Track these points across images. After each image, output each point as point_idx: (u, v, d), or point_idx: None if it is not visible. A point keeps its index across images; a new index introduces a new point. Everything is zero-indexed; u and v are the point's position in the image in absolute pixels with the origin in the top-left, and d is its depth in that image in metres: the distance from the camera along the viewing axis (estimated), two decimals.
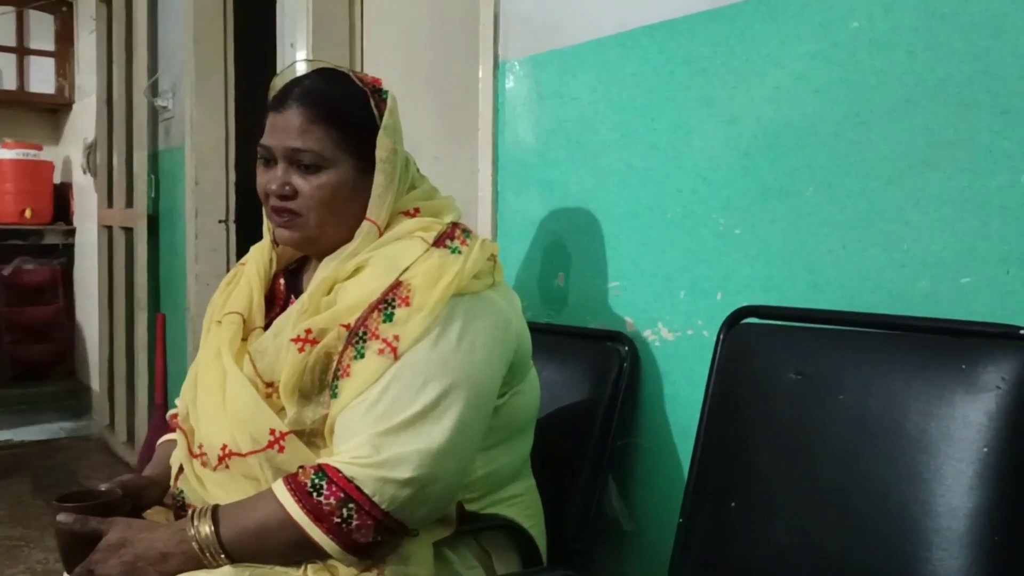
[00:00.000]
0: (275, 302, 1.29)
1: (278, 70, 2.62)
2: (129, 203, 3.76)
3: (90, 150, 4.45)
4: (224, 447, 1.16)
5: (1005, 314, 1.01)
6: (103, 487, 1.21)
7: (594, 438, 1.43)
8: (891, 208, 1.13)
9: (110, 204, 4.04)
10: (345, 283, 1.18)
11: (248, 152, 3.08)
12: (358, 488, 1.04)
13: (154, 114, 3.57)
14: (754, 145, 1.29)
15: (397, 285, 1.13)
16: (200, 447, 1.20)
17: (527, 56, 1.70)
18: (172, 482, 1.25)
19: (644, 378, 1.46)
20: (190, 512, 1.10)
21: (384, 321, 1.11)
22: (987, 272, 1.04)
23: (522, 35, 1.71)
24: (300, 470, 1.08)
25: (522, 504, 1.27)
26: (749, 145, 1.30)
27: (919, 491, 0.97)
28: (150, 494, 1.27)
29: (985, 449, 0.94)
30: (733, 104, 1.32)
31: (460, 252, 1.17)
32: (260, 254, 1.32)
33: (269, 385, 1.17)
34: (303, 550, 1.06)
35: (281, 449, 1.12)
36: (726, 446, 1.21)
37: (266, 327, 1.24)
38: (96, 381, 4.50)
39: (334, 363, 1.13)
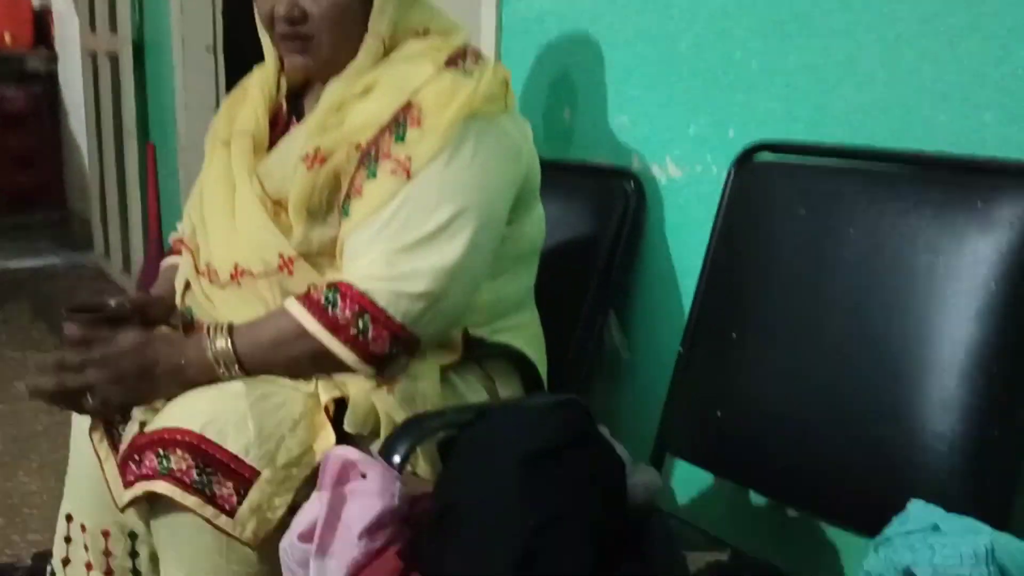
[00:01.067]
0: (277, 125, 1.27)
1: None
2: (113, 28, 3.61)
3: None
4: (236, 266, 1.17)
5: None
6: (112, 302, 1.21)
7: (597, 272, 1.44)
8: (914, 41, 1.09)
9: (92, 28, 3.88)
10: (354, 102, 1.15)
11: None
12: (372, 301, 1.06)
13: None
14: None
15: (408, 106, 1.11)
16: (208, 265, 1.21)
17: None
18: (179, 299, 1.26)
19: (650, 214, 1.45)
20: (205, 327, 1.11)
21: (396, 141, 1.10)
22: (1010, 107, 1.01)
23: None
24: (311, 288, 1.09)
25: (525, 333, 1.29)
26: None
27: (922, 324, 0.98)
28: (156, 311, 1.28)
29: (993, 284, 0.94)
30: None
31: (472, 74, 1.14)
32: (264, 77, 1.28)
33: (277, 203, 1.17)
34: (320, 362, 1.09)
35: (291, 273, 1.13)
36: (730, 281, 1.22)
37: (269, 148, 1.23)
38: (88, 210, 4.47)
39: (344, 183, 1.12)
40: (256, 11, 1.22)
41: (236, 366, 1.09)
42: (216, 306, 1.20)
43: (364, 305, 1.06)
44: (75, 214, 4.98)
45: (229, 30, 3.08)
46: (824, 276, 1.08)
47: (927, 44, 1.08)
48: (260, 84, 1.28)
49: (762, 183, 1.22)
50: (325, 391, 1.11)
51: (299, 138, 1.17)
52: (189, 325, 1.23)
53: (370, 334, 1.06)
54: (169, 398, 1.09)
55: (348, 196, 1.12)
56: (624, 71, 1.48)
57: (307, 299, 1.08)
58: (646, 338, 1.48)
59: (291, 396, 1.09)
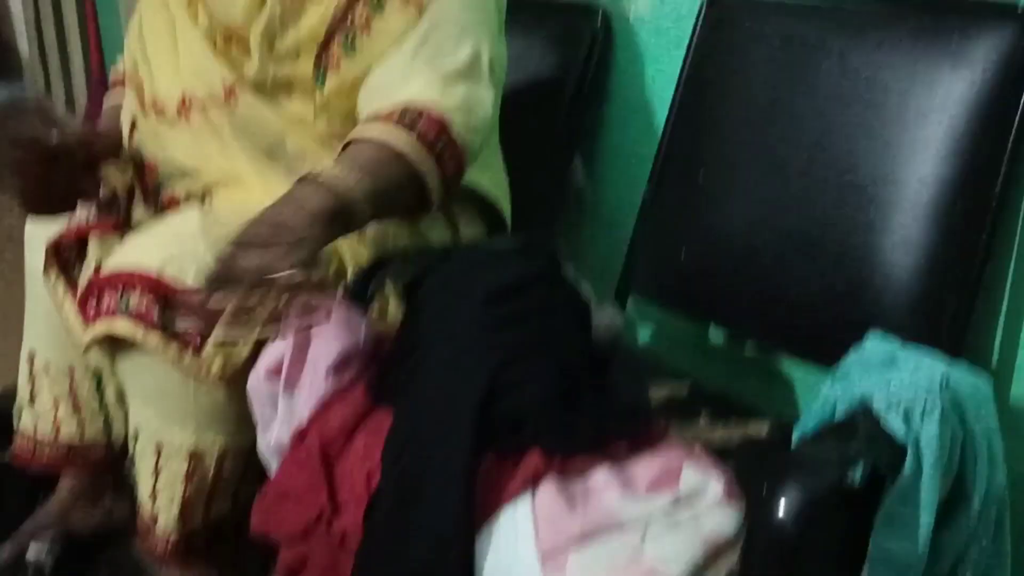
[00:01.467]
0: None
1: None
2: None
3: None
4: (183, 96, 1.12)
5: None
6: (53, 134, 1.15)
7: (563, 112, 1.41)
8: None
9: None
10: None
11: None
12: (448, 126, 1.01)
13: None
14: None
15: None
16: (154, 100, 1.15)
17: None
18: (126, 139, 1.21)
19: (617, 53, 1.41)
20: (301, 180, 0.97)
21: None
22: None
23: None
24: (378, 120, 1.01)
25: (489, 174, 1.27)
26: None
27: (890, 162, 0.98)
28: (103, 144, 1.20)
29: (963, 122, 0.94)
30: None
31: None
32: None
33: (228, 35, 1.11)
34: (406, 191, 1.01)
35: (236, 102, 1.09)
36: (698, 120, 1.21)
37: None
38: (22, 42, 4.23)
39: (325, 18, 1.06)
40: None
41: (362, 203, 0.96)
42: (165, 142, 1.15)
43: (444, 125, 1.01)
44: (9, 45, 4.71)
45: None
46: (792, 115, 1.07)
47: None
48: None
49: (732, 21, 1.18)
50: None
51: None
52: (140, 164, 1.19)
53: (446, 156, 1.01)
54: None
55: (350, 32, 1.06)
56: None
57: (388, 122, 1.00)
58: (612, 179, 1.46)
59: None
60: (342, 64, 1.08)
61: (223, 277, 0.85)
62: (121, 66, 1.34)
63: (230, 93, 1.09)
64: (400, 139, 0.99)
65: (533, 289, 0.91)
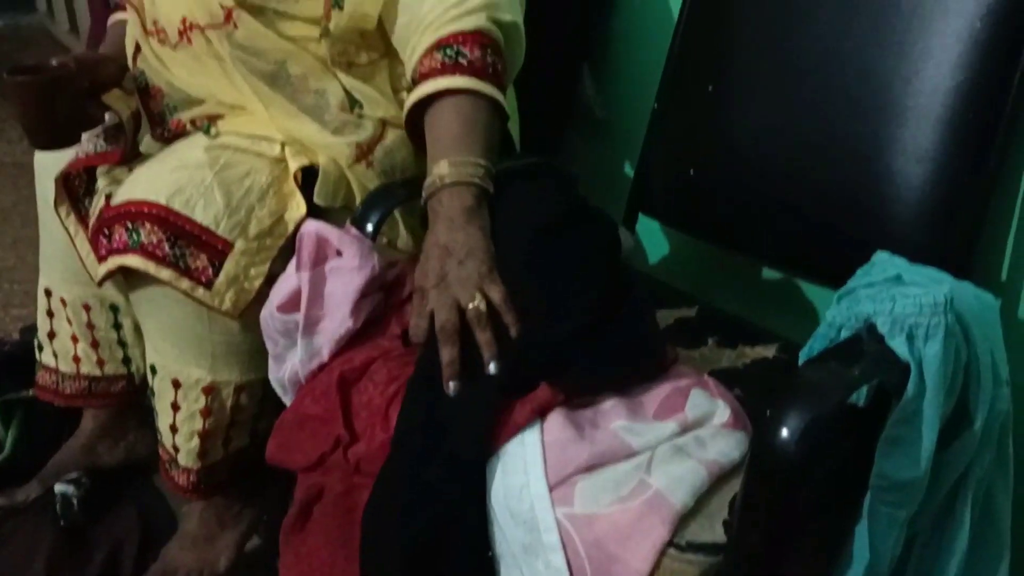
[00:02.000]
0: None
1: None
2: None
3: None
4: (184, 20, 1.10)
5: None
6: (54, 61, 1.14)
7: (570, 25, 1.37)
8: None
9: None
10: None
11: None
12: (485, 34, 1.00)
13: None
14: None
15: None
16: (155, 23, 1.13)
17: None
18: (130, 63, 1.19)
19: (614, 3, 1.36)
20: (425, 187, 0.97)
21: None
22: None
23: None
24: (423, 62, 1.00)
25: None
26: None
27: (903, 67, 0.95)
28: (106, 69, 1.18)
29: (978, 24, 0.90)
30: None
31: None
32: None
33: None
34: (490, 116, 1.01)
35: (235, 25, 1.07)
36: (709, 28, 1.17)
37: None
38: None
39: None
40: None
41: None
42: (169, 68, 1.14)
43: (481, 41, 0.99)
44: None
45: None
46: (803, 21, 1.04)
47: None
48: None
49: None
50: (293, 158, 1.08)
51: None
52: (144, 90, 1.18)
53: (499, 68, 1.00)
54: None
55: None
56: None
57: (439, 71, 0.99)
58: (620, 94, 1.43)
59: (256, 164, 1.07)
60: None
61: (442, 335, 0.86)
62: None
63: (228, 16, 1.07)
64: (459, 81, 0.97)
65: (573, 226, 0.91)
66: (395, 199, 1.05)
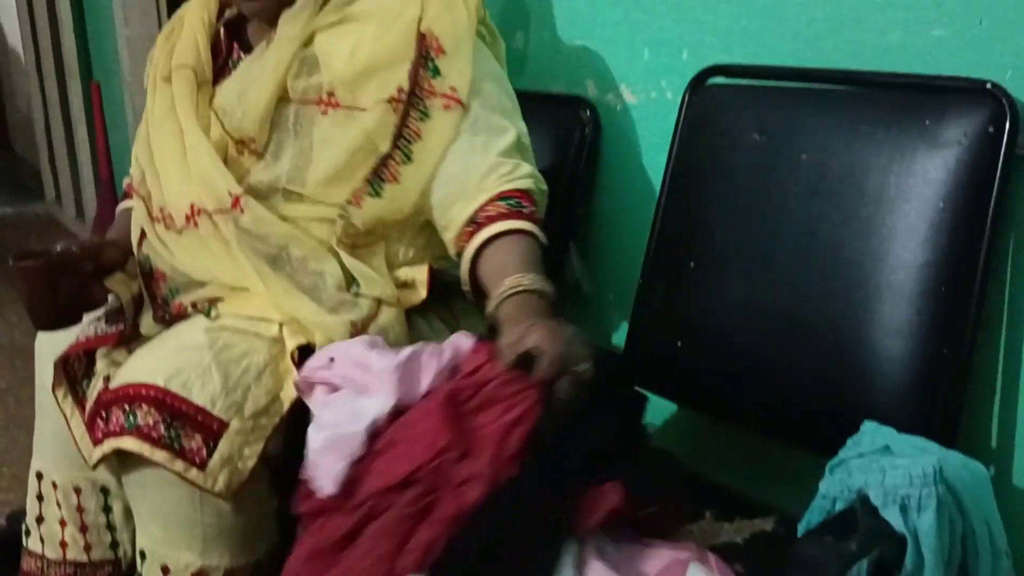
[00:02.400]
0: (217, 54, 1.25)
1: None
2: None
3: None
4: (192, 206, 1.15)
5: (976, 68, 0.99)
6: (59, 246, 1.19)
7: (557, 204, 1.42)
8: None
9: None
10: (330, 35, 1.15)
11: None
12: (532, 195, 1.13)
13: None
14: None
15: (422, 38, 1.13)
16: (162, 210, 1.19)
17: None
18: (135, 248, 1.24)
19: (606, 143, 1.44)
20: (499, 293, 1.02)
21: (433, 77, 1.13)
22: (960, 23, 1.01)
23: None
24: (485, 208, 1.10)
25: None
26: None
27: (873, 247, 1.00)
28: (110, 254, 1.23)
29: (941, 204, 0.96)
30: None
31: None
32: (200, 6, 1.26)
33: (240, 142, 1.16)
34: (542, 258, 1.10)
35: (242, 210, 1.12)
36: (688, 208, 1.23)
37: (214, 80, 1.22)
38: (36, 157, 4.35)
39: (387, 136, 1.13)
40: None
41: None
42: (173, 252, 1.18)
43: (531, 199, 1.12)
44: (22, 160, 4.84)
45: None
46: (776, 202, 1.09)
47: None
48: (199, 13, 1.25)
49: (716, 107, 1.21)
50: (291, 337, 1.10)
51: (261, 73, 1.15)
52: (149, 275, 1.21)
53: (540, 222, 1.13)
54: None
55: (401, 142, 1.13)
56: None
57: (506, 212, 1.10)
58: (607, 269, 1.48)
59: (254, 344, 1.09)
60: (401, 174, 1.13)
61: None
62: (132, 174, 1.38)
63: (236, 202, 1.12)
64: (525, 224, 1.10)
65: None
66: None
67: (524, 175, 1.13)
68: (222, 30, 1.26)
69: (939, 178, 0.97)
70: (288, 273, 1.11)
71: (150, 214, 1.21)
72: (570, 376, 0.85)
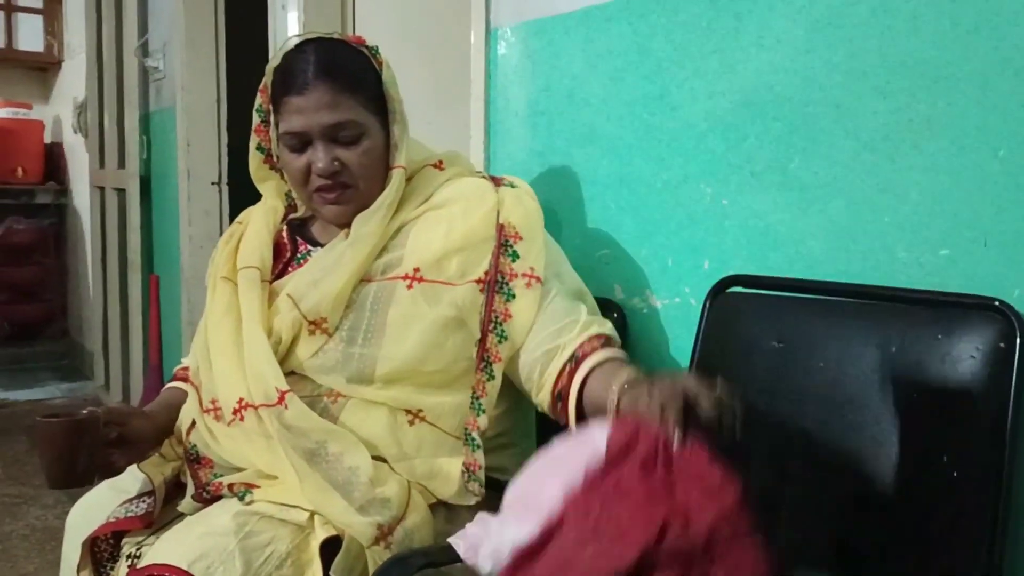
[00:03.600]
0: (281, 252, 1.34)
1: (269, 32, 2.61)
2: (121, 164, 3.75)
3: (80, 110, 4.42)
4: (240, 400, 1.20)
5: (982, 286, 1.04)
6: (85, 411, 1.23)
7: None
8: (873, 181, 1.15)
9: (102, 164, 4.03)
10: (417, 224, 1.27)
11: (241, 113, 3.08)
12: (615, 344, 1.25)
13: (145, 74, 3.55)
14: (741, 115, 1.31)
15: (501, 227, 1.25)
16: (213, 402, 1.24)
17: (519, 23, 1.70)
18: (184, 436, 1.29)
19: (632, 345, 1.49)
20: (618, 384, 1.10)
21: (513, 261, 1.25)
22: (965, 244, 1.06)
23: (513, 1, 1.72)
24: (582, 347, 1.21)
25: (508, 451, 1.33)
26: (736, 115, 1.31)
27: (892, 457, 1.00)
28: (138, 424, 1.29)
29: (958, 418, 0.97)
30: (720, 74, 1.33)
31: (518, 188, 1.31)
32: (266, 211, 1.38)
33: (313, 323, 1.23)
34: None
35: (286, 406, 1.17)
36: None
37: (277, 276, 1.31)
38: (91, 342, 4.51)
39: (476, 317, 1.24)
40: (285, 169, 1.31)
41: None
42: (220, 442, 1.23)
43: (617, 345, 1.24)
44: (78, 345, 5.01)
45: (233, 165, 3.21)
46: (795, 409, 1.11)
47: (888, 185, 1.14)
48: (264, 219, 1.36)
49: (736, 314, 1.26)
50: (321, 527, 1.12)
51: (338, 264, 1.24)
52: (195, 461, 1.25)
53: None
54: None
55: (493, 326, 1.24)
56: (605, 208, 1.55)
57: (603, 346, 1.22)
58: None
59: (280, 532, 1.11)
60: (501, 352, 1.22)
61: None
62: (188, 361, 1.46)
63: (281, 398, 1.18)
64: (622, 355, 1.23)
65: None
66: (406, 570, 1.07)
67: (610, 328, 1.25)
68: (285, 229, 1.36)
69: (954, 391, 0.99)
70: (324, 469, 1.15)
71: (201, 405, 1.26)
72: (718, 403, 0.90)
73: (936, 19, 1.08)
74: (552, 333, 1.22)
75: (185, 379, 1.41)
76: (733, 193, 1.32)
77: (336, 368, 1.22)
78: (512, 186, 1.31)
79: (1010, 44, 1.01)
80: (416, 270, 1.23)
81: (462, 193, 1.28)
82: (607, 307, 1.50)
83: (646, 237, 1.47)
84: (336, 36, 1.32)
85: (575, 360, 1.20)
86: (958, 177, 1.07)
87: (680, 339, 1.39)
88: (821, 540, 1.04)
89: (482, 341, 1.23)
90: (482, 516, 1.00)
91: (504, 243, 1.25)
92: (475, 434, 1.23)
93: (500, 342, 1.23)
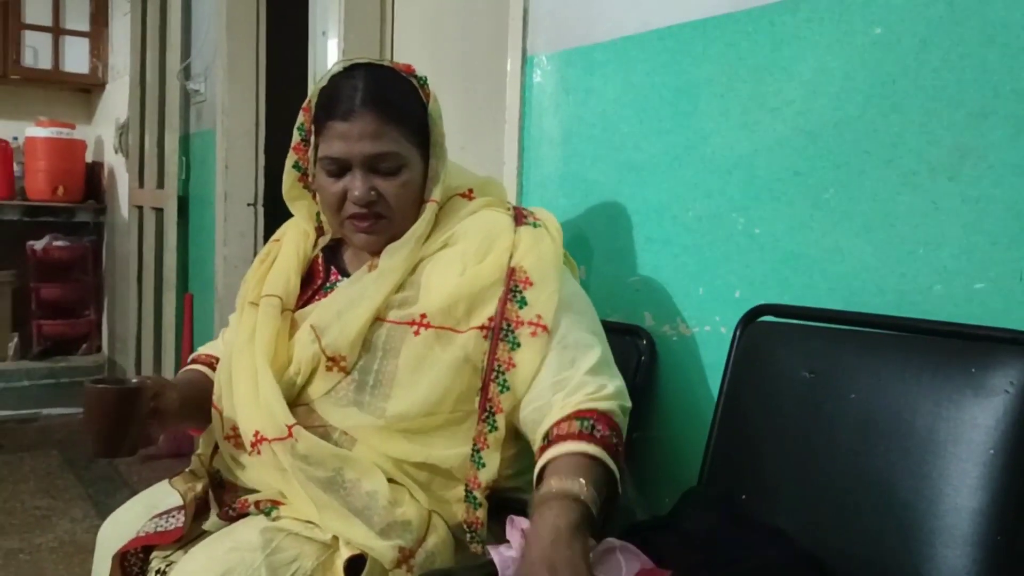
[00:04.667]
0: (313, 278, 1.34)
1: (309, 58, 2.66)
2: (160, 184, 3.82)
3: (122, 131, 4.51)
4: (256, 433, 1.20)
5: (1017, 320, 1.03)
6: (134, 380, 1.21)
7: None
8: (908, 213, 1.15)
9: (141, 184, 4.10)
10: (435, 261, 1.24)
11: (278, 137, 3.13)
12: (612, 418, 1.12)
13: (186, 97, 3.62)
14: (773, 146, 1.31)
15: (512, 272, 1.21)
16: (234, 429, 1.25)
17: (554, 52, 1.73)
18: (208, 461, 1.30)
19: (661, 372, 1.49)
20: (539, 495, 1.04)
21: (520, 308, 1.19)
22: (1000, 278, 1.05)
23: (549, 30, 1.74)
24: (559, 425, 1.11)
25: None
26: (768, 145, 1.32)
27: (925, 490, 0.99)
28: (169, 396, 1.25)
29: (992, 451, 0.96)
30: (753, 105, 1.34)
31: (540, 226, 1.26)
32: (298, 235, 1.36)
33: (331, 359, 1.21)
34: (607, 486, 1.08)
35: (296, 440, 1.17)
36: (738, 440, 1.24)
37: (305, 303, 1.29)
38: (124, 358, 4.57)
39: (480, 364, 1.19)
40: (319, 192, 1.30)
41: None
42: (244, 469, 1.24)
43: (611, 423, 1.12)
44: (112, 362, 5.07)
45: (269, 187, 3.26)
46: (827, 439, 1.10)
47: (923, 217, 1.13)
48: (296, 244, 1.35)
49: (766, 343, 1.26)
50: (346, 546, 1.12)
51: (362, 298, 1.22)
52: (219, 484, 1.26)
53: (620, 447, 1.11)
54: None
55: (496, 375, 1.18)
56: (637, 236, 1.55)
57: (576, 433, 1.09)
58: (660, 496, 1.47)
59: (306, 549, 1.12)
60: (503, 402, 1.18)
61: None
62: (214, 346, 1.46)
63: (290, 432, 1.17)
64: (591, 449, 1.07)
65: None
66: None
67: (607, 396, 1.14)
68: (320, 255, 1.36)
69: (988, 424, 0.98)
70: (342, 496, 1.14)
71: (223, 432, 1.27)
72: None
73: (973, 52, 1.08)
74: (546, 390, 1.16)
75: (209, 364, 1.40)
76: (765, 223, 1.32)
77: (344, 413, 1.21)
78: (534, 225, 1.26)
79: None
80: (423, 316, 1.20)
81: (479, 230, 1.25)
82: (636, 334, 1.51)
83: (677, 265, 1.47)
84: (387, 63, 1.30)
85: (547, 440, 1.12)
86: (994, 210, 1.06)
87: (710, 368, 1.39)
88: (851, 572, 1.03)
89: (484, 390, 1.19)
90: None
91: (513, 288, 1.20)
92: (476, 492, 1.17)
93: (502, 392, 1.18)
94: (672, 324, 1.48)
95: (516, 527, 1.02)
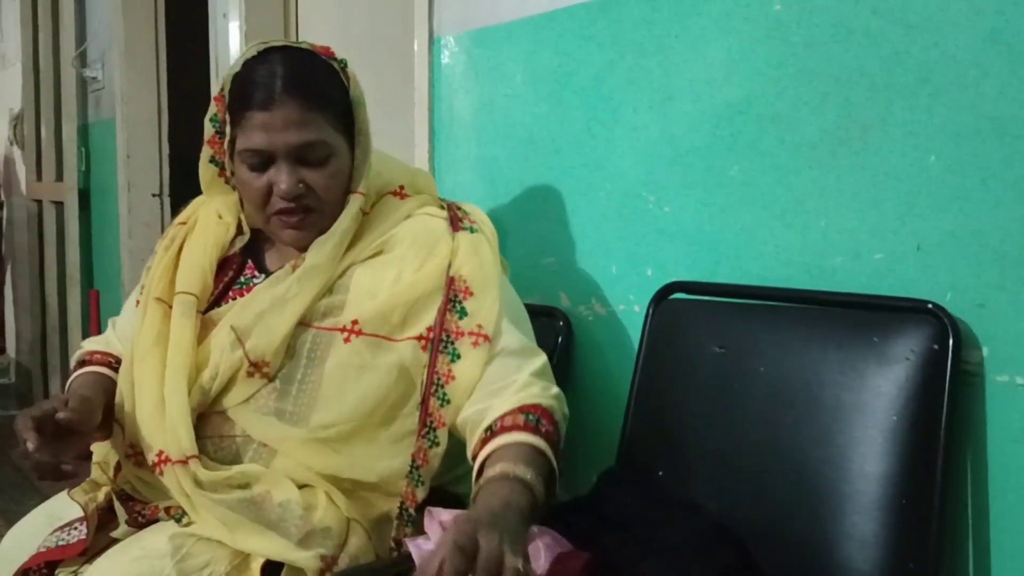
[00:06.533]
0: (224, 270, 1.25)
1: (210, 41, 2.57)
2: (59, 176, 3.67)
3: (17, 121, 4.32)
4: (160, 452, 1.14)
5: (916, 288, 1.06)
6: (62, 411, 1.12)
7: None
8: (811, 187, 1.16)
9: (39, 177, 3.94)
10: (366, 267, 1.19)
11: (183, 124, 3.03)
12: (554, 417, 1.11)
13: (83, 84, 3.48)
14: (682, 123, 1.31)
15: (451, 281, 1.16)
16: (132, 447, 1.18)
17: (461, 32, 1.70)
18: (112, 478, 1.23)
19: (578, 353, 1.49)
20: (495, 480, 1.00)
21: (460, 318, 1.15)
22: (899, 248, 1.08)
23: (455, 10, 1.71)
24: (505, 418, 1.08)
25: (467, 480, 1.30)
26: (677, 124, 1.32)
27: (833, 458, 1.01)
28: (96, 418, 1.18)
29: (895, 417, 0.99)
30: (662, 84, 1.34)
31: (477, 231, 1.22)
32: (213, 222, 1.27)
33: (254, 364, 1.16)
34: (548, 479, 1.05)
35: (194, 469, 1.11)
36: (653, 418, 1.25)
37: (216, 300, 1.23)
38: (27, 357, 4.40)
39: (418, 375, 1.16)
40: (241, 187, 1.22)
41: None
42: (149, 488, 1.18)
43: (553, 420, 1.10)
44: (16, 363, 4.89)
45: (175, 176, 3.16)
46: (738, 412, 1.12)
47: (824, 191, 1.15)
48: (214, 236, 1.26)
49: (678, 320, 1.27)
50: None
51: (285, 300, 1.16)
52: (126, 498, 1.19)
53: (560, 445, 1.10)
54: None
55: (436, 388, 1.14)
56: (550, 216, 1.55)
57: (523, 425, 1.07)
58: (578, 475, 1.48)
59: (218, 554, 1.08)
60: (445, 416, 1.14)
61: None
62: (93, 345, 1.37)
63: (189, 457, 1.11)
64: (537, 441, 1.06)
65: None
66: None
67: (553, 396, 1.13)
68: (238, 246, 1.27)
69: (891, 392, 1.01)
70: (253, 511, 1.09)
71: (124, 449, 1.19)
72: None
73: (869, 31, 1.09)
74: (488, 393, 1.13)
75: (107, 364, 1.31)
76: (675, 201, 1.33)
77: (265, 423, 1.15)
78: (472, 230, 1.22)
79: (938, 54, 1.03)
80: (355, 323, 1.15)
81: (415, 238, 1.20)
82: (553, 316, 1.50)
83: (590, 245, 1.47)
84: (304, 46, 1.23)
85: (490, 431, 1.09)
86: (891, 183, 1.08)
87: (625, 346, 1.39)
88: (765, 540, 1.05)
89: (424, 405, 1.14)
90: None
91: (452, 298, 1.16)
92: (412, 509, 1.13)
93: (442, 406, 1.14)
94: (587, 304, 1.48)
95: (435, 519, 1.00)
